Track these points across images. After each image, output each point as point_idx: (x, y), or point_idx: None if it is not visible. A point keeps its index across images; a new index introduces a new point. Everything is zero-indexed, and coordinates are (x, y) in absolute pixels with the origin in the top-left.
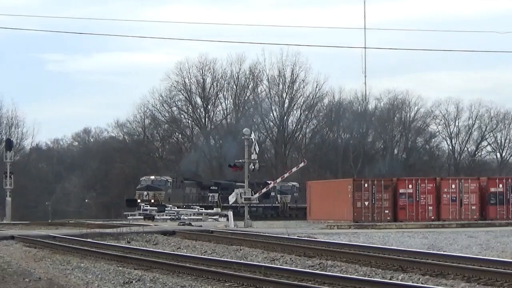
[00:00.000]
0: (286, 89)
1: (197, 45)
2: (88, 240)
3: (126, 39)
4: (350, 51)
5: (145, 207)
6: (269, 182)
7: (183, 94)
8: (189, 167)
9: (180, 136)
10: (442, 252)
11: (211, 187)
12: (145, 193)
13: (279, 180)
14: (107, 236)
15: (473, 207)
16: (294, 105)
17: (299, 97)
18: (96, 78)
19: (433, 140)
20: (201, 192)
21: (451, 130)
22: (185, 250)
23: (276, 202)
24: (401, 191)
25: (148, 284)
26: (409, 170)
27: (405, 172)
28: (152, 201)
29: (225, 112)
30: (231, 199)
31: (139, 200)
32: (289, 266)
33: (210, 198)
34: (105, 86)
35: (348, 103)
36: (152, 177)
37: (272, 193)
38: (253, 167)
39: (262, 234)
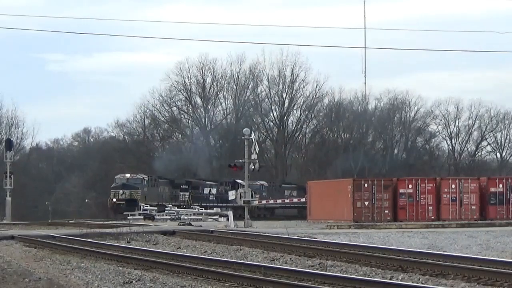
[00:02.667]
0: (286, 89)
1: (197, 45)
2: (88, 240)
3: (126, 39)
4: (350, 51)
5: (145, 207)
6: (238, 181)
7: (183, 94)
8: (163, 166)
9: (180, 136)
10: (442, 252)
11: (181, 186)
12: (121, 191)
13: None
14: (107, 236)
15: (473, 207)
16: (294, 105)
17: (299, 97)
18: (96, 78)
19: (433, 140)
20: (173, 191)
21: (451, 130)
22: (185, 250)
23: None
24: (401, 191)
25: (148, 284)
26: (409, 170)
27: (405, 172)
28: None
29: (225, 112)
30: (231, 196)
31: (114, 199)
32: (289, 266)
33: (181, 197)
34: (105, 86)
35: (348, 103)
36: (128, 175)
37: None
38: (253, 167)
39: (262, 234)
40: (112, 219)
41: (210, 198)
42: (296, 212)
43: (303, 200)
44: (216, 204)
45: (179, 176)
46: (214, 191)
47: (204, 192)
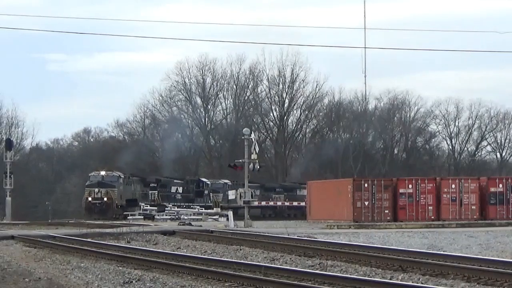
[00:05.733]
0: (286, 89)
1: (197, 45)
2: (88, 240)
3: (126, 39)
4: (350, 51)
5: (145, 207)
6: (203, 180)
7: (183, 94)
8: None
9: (180, 136)
10: (442, 252)
11: (150, 184)
12: (96, 190)
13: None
14: (107, 236)
15: (473, 207)
16: (294, 105)
17: (299, 97)
18: (96, 78)
19: (433, 140)
20: (144, 189)
21: (451, 130)
22: (185, 250)
23: (209, 201)
24: (401, 191)
25: (148, 284)
26: (409, 170)
27: (405, 172)
28: (105, 199)
29: (225, 112)
30: (231, 196)
31: (90, 198)
32: (289, 266)
33: (150, 195)
34: (105, 86)
35: (348, 103)
36: (103, 172)
37: (206, 192)
38: (253, 167)
39: (262, 234)
40: (85, 219)
41: (177, 197)
42: (259, 212)
43: (302, 203)
44: (182, 204)
45: (149, 173)
46: (180, 189)
47: (172, 191)
